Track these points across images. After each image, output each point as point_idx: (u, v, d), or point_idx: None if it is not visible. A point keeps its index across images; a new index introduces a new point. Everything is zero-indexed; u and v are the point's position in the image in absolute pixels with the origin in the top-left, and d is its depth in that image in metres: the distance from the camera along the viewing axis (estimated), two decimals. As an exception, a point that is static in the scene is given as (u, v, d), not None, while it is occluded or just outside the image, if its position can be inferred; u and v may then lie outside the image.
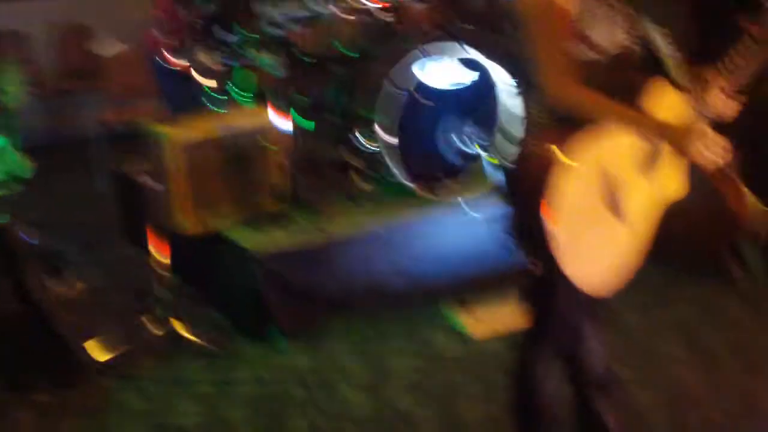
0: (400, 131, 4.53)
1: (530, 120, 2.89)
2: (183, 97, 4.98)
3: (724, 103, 2.82)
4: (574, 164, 2.69)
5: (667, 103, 2.81)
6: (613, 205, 2.79)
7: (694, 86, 2.82)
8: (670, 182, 2.89)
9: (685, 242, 4.33)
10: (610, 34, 2.83)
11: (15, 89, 3.66)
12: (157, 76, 5.33)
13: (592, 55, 2.81)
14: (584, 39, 2.80)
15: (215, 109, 4.75)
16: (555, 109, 2.79)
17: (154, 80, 5.36)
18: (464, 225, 4.52)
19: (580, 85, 2.77)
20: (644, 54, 2.90)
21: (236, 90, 4.82)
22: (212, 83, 4.70)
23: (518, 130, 2.92)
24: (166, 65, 4.96)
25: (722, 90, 2.81)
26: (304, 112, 4.84)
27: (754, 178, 4.42)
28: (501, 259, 3.28)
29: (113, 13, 7.25)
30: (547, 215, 2.70)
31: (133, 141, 4.65)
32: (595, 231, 2.79)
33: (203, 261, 4.47)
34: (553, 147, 2.73)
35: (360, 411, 3.63)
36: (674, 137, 2.74)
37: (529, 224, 2.75)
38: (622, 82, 2.83)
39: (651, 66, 2.88)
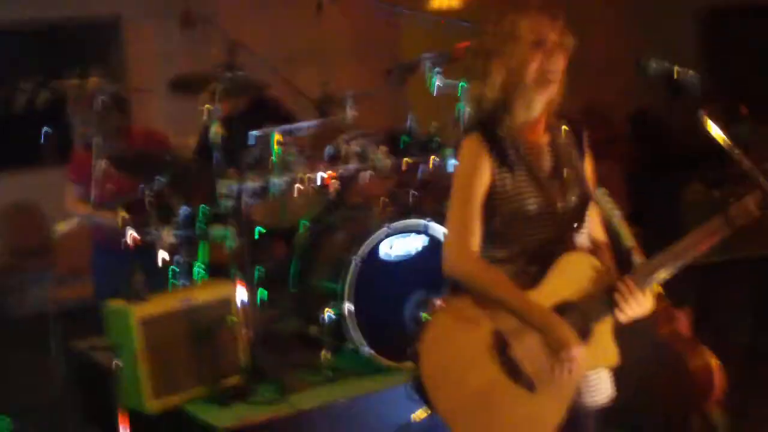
0: (357, 298, 4.54)
1: None
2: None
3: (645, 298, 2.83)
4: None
5: (580, 271, 2.84)
6: (515, 373, 2.78)
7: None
8: (602, 349, 2.86)
9: (649, 410, 4.32)
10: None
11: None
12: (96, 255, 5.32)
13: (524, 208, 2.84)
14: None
15: (174, 282, 4.74)
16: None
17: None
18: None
19: (476, 258, 2.80)
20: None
21: (193, 263, 4.83)
22: (168, 256, 4.70)
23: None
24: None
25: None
26: (262, 284, 4.87)
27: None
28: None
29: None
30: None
31: (89, 318, 4.61)
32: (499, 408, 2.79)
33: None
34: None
35: None
36: (551, 332, 2.75)
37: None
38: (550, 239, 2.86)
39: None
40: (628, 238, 4.18)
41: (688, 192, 6.10)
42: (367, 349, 4.52)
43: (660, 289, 4.02)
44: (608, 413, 2.94)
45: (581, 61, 2.92)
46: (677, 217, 6.10)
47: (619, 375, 2.96)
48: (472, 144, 2.85)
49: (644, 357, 4.00)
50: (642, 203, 5.91)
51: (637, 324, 2.91)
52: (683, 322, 4.38)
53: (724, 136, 2.89)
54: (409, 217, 4.78)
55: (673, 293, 4.04)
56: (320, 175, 4.99)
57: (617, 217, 4.19)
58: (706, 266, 3.37)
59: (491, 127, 2.86)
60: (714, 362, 4.30)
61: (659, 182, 6.59)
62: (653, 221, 4.98)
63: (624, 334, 2.93)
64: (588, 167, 2.98)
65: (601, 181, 3.16)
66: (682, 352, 4.33)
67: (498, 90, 2.83)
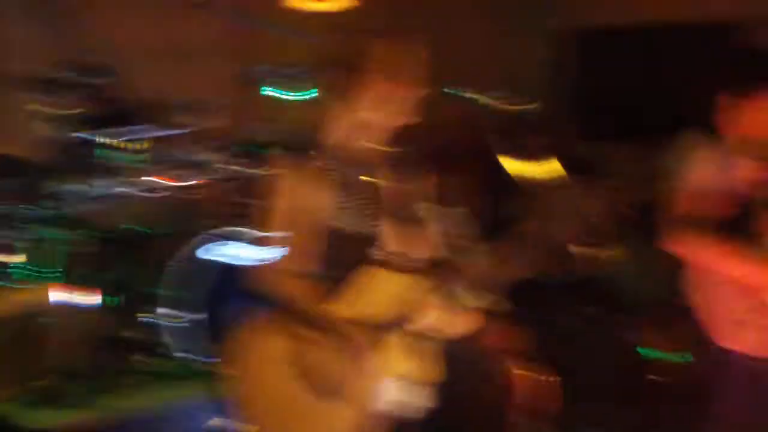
0: (178, 305, 4.60)
1: None
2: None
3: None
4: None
5: (384, 287, 2.90)
6: (313, 382, 2.83)
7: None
8: (398, 360, 2.89)
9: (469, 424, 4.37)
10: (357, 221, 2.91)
11: None
12: None
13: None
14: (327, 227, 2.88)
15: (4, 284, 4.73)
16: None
17: None
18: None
19: (280, 273, 2.84)
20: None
21: (24, 265, 4.84)
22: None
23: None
24: None
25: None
26: (90, 287, 4.89)
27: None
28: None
29: None
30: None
31: None
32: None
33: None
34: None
35: None
36: (346, 342, 2.81)
37: None
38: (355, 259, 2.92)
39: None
40: (461, 254, 4.25)
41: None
42: (184, 354, 4.57)
43: (494, 305, 4.10)
44: (426, 427, 3.00)
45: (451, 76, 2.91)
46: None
47: (440, 388, 3.02)
48: (298, 164, 2.88)
49: (467, 371, 4.07)
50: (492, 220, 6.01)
51: (463, 339, 2.99)
52: (512, 337, 4.45)
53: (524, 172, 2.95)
54: (243, 225, 4.84)
55: (508, 310, 4.10)
56: (161, 182, 5.04)
57: (453, 233, 4.27)
58: (544, 285, 3.42)
59: (319, 149, 2.91)
60: (540, 377, 4.37)
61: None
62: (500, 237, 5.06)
63: (448, 348, 3.00)
64: (423, 186, 3.04)
65: (457, 194, 3.20)
66: (506, 367, 4.40)
67: (359, 109, 2.85)
